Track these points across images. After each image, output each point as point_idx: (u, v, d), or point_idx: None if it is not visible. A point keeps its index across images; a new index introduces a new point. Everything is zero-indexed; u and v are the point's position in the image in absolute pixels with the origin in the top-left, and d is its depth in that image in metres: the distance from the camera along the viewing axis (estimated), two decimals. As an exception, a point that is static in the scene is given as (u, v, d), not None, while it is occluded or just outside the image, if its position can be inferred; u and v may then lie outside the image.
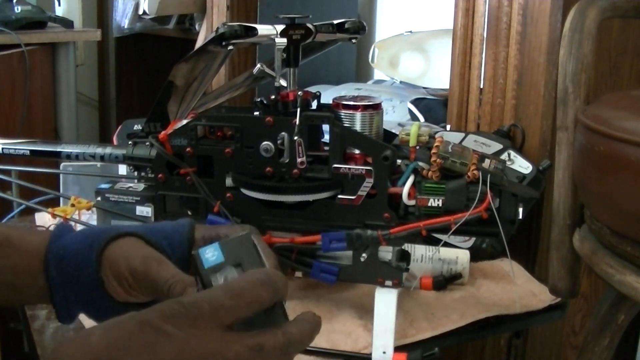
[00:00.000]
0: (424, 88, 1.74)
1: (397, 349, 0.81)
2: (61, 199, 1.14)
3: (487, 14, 1.26)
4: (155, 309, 0.44)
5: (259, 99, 0.84)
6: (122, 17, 2.52)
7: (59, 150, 0.97)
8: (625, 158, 0.70)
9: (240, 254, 0.50)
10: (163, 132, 0.87)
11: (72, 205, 0.99)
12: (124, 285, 0.57)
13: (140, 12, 2.29)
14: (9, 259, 0.58)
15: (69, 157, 0.97)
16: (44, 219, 1.06)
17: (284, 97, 0.83)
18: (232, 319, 0.45)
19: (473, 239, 1.07)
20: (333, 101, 0.84)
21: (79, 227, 1.03)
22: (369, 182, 0.80)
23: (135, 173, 0.93)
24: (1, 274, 0.58)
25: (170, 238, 0.60)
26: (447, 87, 1.37)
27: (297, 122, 0.81)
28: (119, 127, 1.19)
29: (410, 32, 1.91)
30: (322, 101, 0.87)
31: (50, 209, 0.97)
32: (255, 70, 0.88)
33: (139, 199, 0.98)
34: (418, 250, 0.99)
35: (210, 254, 0.49)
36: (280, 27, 0.86)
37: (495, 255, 1.07)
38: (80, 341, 0.43)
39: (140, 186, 0.99)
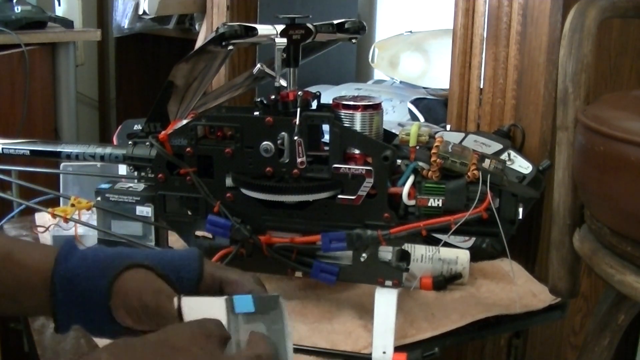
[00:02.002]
0: (424, 88, 1.74)
1: (397, 349, 0.81)
2: (61, 199, 1.14)
3: (487, 14, 1.26)
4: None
5: (259, 99, 0.84)
6: (122, 17, 2.52)
7: (59, 150, 0.97)
8: (625, 158, 0.70)
9: (268, 313, 0.54)
10: (163, 132, 0.87)
11: (72, 205, 0.99)
12: (133, 316, 0.57)
13: (140, 12, 2.29)
14: (11, 273, 0.58)
15: (69, 157, 0.97)
16: (44, 219, 1.06)
17: (284, 97, 0.83)
18: None
19: (473, 239, 1.07)
20: (333, 101, 0.84)
21: (79, 227, 1.03)
22: (369, 182, 0.80)
23: (135, 173, 0.93)
24: (3, 286, 0.58)
25: (179, 271, 0.60)
26: (447, 87, 1.37)
27: (297, 122, 0.81)
28: (119, 127, 1.19)
29: (410, 32, 1.91)
30: (322, 101, 0.87)
31: (50, 209, 0.97)
32: (255, 70, 0.88)
33: (139, 199, 0.98)
34: (418, 250, 0.99)
35: (243, 302, 0.54)
36: (280, 27, 0.86)
37: (495, 255, 1.07)
38: None
39: (140, 186, 0.99)
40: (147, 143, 0.89)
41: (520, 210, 0.80)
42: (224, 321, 0.52)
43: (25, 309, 0.62)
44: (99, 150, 0.96)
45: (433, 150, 0.79)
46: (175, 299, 0.54)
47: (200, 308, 0.53)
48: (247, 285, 0.60)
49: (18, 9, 2.10)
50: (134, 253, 0.61)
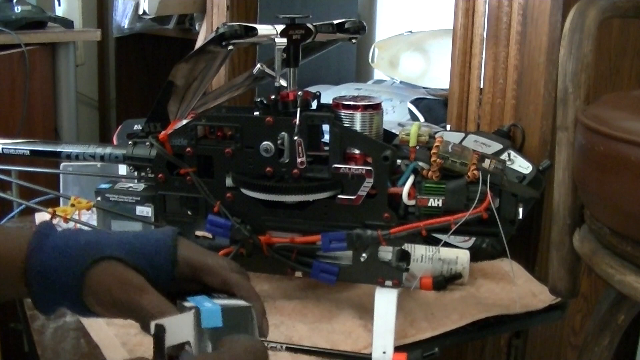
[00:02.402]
0: (424, 88, 1.74)
1: (397, 349, 0.81)
2: (61, 199, 1.14)
3: (487, 14, 1.26)
4: None
5: (259, 99, 0.84)
6: (122, 17, 2.52)
7: (59, 150, 0.97)
8: (625, 158, 0.70)
9: (238, 327, 0.52)
10: (163, 132, 0.87)
11: (72, 205, 0.99)
12: (104, 308, 0.57)
13: (140, 12, 2.29)
14: None
15: (69, 157, 0.97)
16: (44, 219, 1.06)
17: (284, 97, 0.83)
18: None
19: (473, 239, 1.07)
20: (333, 101, 0.84)
21: (79, 227, 1.03)
22: (369, 182, 0.80)
23: (135, 173, 0.93)
24: None
25: (152, 259, 0.59)
26: (447, 87, 1.37)
27: (297, 122, 0.81)
28: (119, 127, 1.19)
29: (410, 32, 1.91)
30: (322, 101, 0.87)
31: (50, 209, 0.97)
32: (255, 70, 0.88)
33: (139, 199, 0.98)
34: (418, 250, 0.99)
35: (211, 316, 0.52)
36: (280, 27, 0.86)
37: (495, 255, 1.07)
38: None
39: (140, 186, 0.99)
40: (147, 143, 0.89)
41: (520, 210, 0.80)
42: (192, 338, 0.51)
43: (4, 296, 0.62)
44: (99, 150, 0.96)
45: (433, 150, 0.79)
46: (152, 325, 0.51)
47: (170, 329, 0.51)
48: (223, 273, 0.59)
49: (18, 9, 2.10)
50: (106, 240, 0.59)
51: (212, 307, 0.53)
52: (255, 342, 0.50)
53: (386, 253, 0.84)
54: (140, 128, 0.92)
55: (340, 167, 0.81)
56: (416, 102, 1.59)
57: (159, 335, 0.50)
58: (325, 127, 0.83)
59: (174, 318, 0.51)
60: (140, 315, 0.54)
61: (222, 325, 0.51)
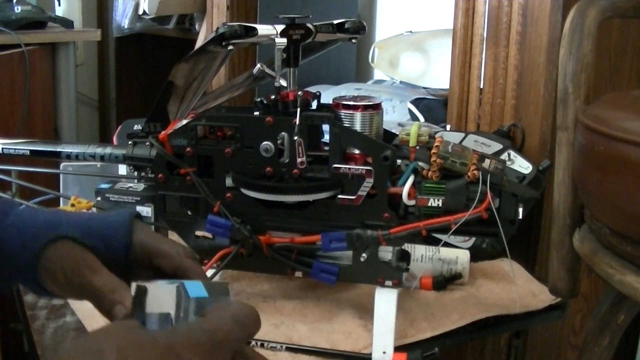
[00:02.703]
0: (424, 88, 1.74)
1: (397, 349, 0.81)
2: (61, 199, 1.14)
3: (487, 14, 1.26)
4: (179, 334, 0.43)
5: (259, 99, 0.84)
6: (122, 17, 2.52)
7: (59, 150, 0.97)
8: (625, 158, 0.70)
9: (220, 298, 0.52)
10: (163, 132, 0.87)
11: (72, 205, 0.99)
12: (61, 288, 0.57)
13: (140, 12, 2.29)
14: None
15: (69, 157, 0.97)
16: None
17: (284, 97, 0.83)
18: (237, 348, 0.46)
19: (473, 239, 1.07)
20: (333, 101, 0.84)
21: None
22: (369, 182, 0.80)
23: (135, 173, 0.93)
24: None
25: (108, 240, 0.59)
26: (447, 87, 1.37)
27: (297, 122, 0.81)
28: (119, 127, 1.19)
29: (410, 32, 1.91)
30: (322, 101, 0.87)
31: (50, 209, 0.97)
32: (255, 70, 0.88)
33: (139, 199, 0.98)
34: (418, 250, 0.99)
35: (195, 288, 0.52)
36: (280, 27, 0.86)
37: (495, 255, 1.07)
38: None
39: (140, 186, 0.99)
40: (147, 143, 0.89)
41: (520, 210, 0.80)
42: (172, 310, 0.50)
43: None
44: (99, 150, 0.96)
45: (433, 150, 0.79)
46: (133, 285, 0.52)
47: (151, 297, 0.51)
48: (176, 258, 0.58)
49: (18, 9, 2.10)
50: (65, 220, 0.59)
51: (193, 281, 0.53)
52: (243, 305, 0.48)
53: (386, 253, 0.84)
54: (140, 128, 0.92)
55: (340, 167, 0.81)
56: (416, 102, 1.59)
57: (140, 295, 0.50)
58: (325, 127, 0.83)
59: (155, 286, 0.52)
60: (93, 295, 0.55)
61: (208, 295, 0.51)
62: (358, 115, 0.82)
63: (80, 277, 0.55)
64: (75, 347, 0.42)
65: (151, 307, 0.50)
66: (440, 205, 0.80)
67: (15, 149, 0.99)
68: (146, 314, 0.50)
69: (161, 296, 0.51)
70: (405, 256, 0.86)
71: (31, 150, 0.99)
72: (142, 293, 0.51)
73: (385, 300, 0.82)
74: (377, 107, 0.84)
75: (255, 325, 0.47)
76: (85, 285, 0.55)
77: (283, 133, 0.82)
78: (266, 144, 0.83)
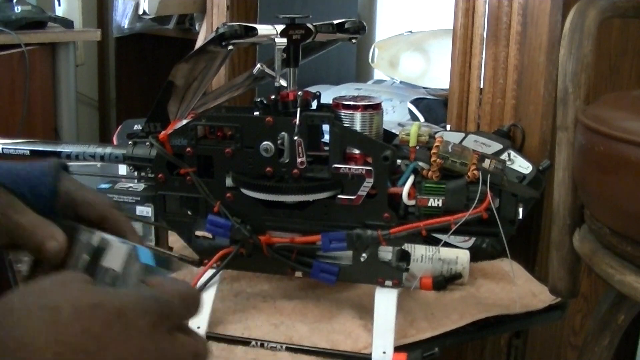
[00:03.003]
0: (424, 88, 1.74)
1: (397, 349, 0.81)
2: (61, 199, 1.14)
3: (487, 14, 1.26)
4: (130, 299, 0.43)
5: (259, 99, 0.84)
6: (122, 17, 2.52)
7: (59, 150, 0.97)
8: (625, 158, 0.70)
9: (165, 271, 0.54)
10: (163, 132, 0.87)
11: (72, 205, 0.99)
12: None
13: (140, 12, 2.29)
14: None
15: (69, 157, 0.97)
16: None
17: (284, 97, 0.83)
18: (185, 322, 0.46)
19: (473, 239, 1.07)
20: (333, 101, 0.84)
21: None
22: (369, 182, 0.80)
23: (135, 173, 0.93)
24: None
25: (34, 186, 0.59)
26: (447, 87, 1.37)
27: (297, 122, 0.81)
28: (119, 127, 1.19)
29: (410, 32, 1.91)
30: (322, 101, 0.87)
31: (50, 209, 0.97)
32: (255, 70, 0.88)
33: (139, 199, 0.98)
34: (418, 250, 0.99)
35: (145, 254, 0.53)
36: (280, 27, 0.86)
37: (495, 255, 1.07)
38: (47, 317, 0.40)
39: (140, 186, 0.99)
40: (147, 143, 0.89)
41: (520, 210, 0.80)
42: (119, 269, 0.51)
43: None
44: (99, 150, 0.96)
45: (433, 150, 0.79)
46: (97, 234, 0.52)
47: (111, 249, 0.51)
48: (102, 207, 0.59)
49: (18, 9, 2.10)
50: None
51: (144, 247, 0.54)
52: (189, 285, 0.49)
53: (386, 253, 0.84)
54: (140, 128, 0.92)
55: (340, 167, 0.81)
56: (416, 102, 1.59)
57: (102, 247, 0.50)
58: (325, 127, 0.83)
59: (113, 242, 0.52)
60: (22, 234, 0.54)
61: (156, 264, 0.53)
62: (358, 115, 0.82)
63: (7, 219, 0.55)
64: (27, 300, 0.41)
65: (106, 262, 0.51)
66: (440, 205, 0.80)
67: (15, 149, 0.99)
68: (100, 267, 0.50)
69: (115, 252, 0.51)
70: (405, 256, 0.86)
71: (31, 150, 0.99)
72: (104, 244, 0.51)
73: (385, 300, 0.82)
74: (377, 107, 0.84)
75: (197, 308, 0.48)
76: (13, 226, 0.55)
77: (283, 133, 0.82)
78: (266, 144, 0.83)
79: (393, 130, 0.89)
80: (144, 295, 0.44)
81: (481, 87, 1.28)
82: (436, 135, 0.81)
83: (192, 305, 0.47)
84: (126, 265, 0.51)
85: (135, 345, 0.41)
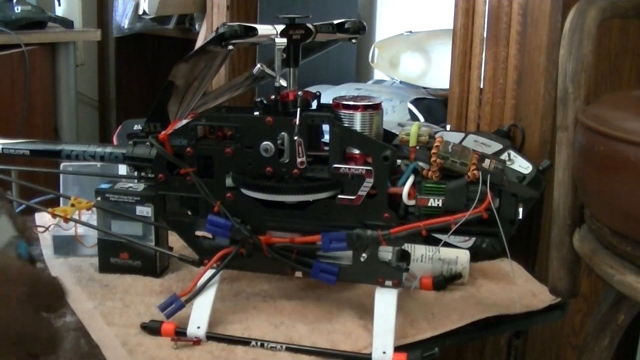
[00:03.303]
0: (424, 88, 1.74)
1: (397, 349, 0.81)
2: (61, 199, 1.14)
3: (487, 14, 1.26)
4: (13, 270, 0.47)
5: (259, 99, 0.84)
6: (122, 17, 2.52)
7: (59, 150, 0.97)
8: (625, 158, 0.70)
9: None
10: (163, 132, 0.87)
11: (72, 205, 0.99)
12: None
13: (140, 12, 2.29)
14: None
15: (69, 157, 0.97)
16: (44, 219, 1.06)
17: (284, 97, 0.83)
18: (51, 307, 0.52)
19: (473, 239, 1.07)
20: (333, 101, 0.84)
21: (79, 227, 1.03)
22: (369, 182, 0.80)
23: (135, 173, 0.93)
24: None
25: None
26: (447, 87, 1.37)
27: (297, 122, 0.81)
28: (119, 127, 1.19)
29: (410, 32, 1.91)
30: (322, 101, 0.87)
31: (50, 209, 0.97)
32: (255, 70, 0.88)
33: (139, 199, 0.98)
34: (418, 250, 0.99)
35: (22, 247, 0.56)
36: (280, 27, 0.86)
37: (495, 255, 1.08)
38: None
39: (140, 186, 0.99)
40: (147, 143, 0.89)
41: (520, 210, 0.80)
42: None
43: None
44: (99, 150, 0.96)
45: (433, 150, 0.79)
46: None
47: None
48: None
49: (18, 9, 2.10)
50: None
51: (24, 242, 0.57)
52: (55, 277, 0.53)
53: (386, 253, 0.84)
54: (140, 128, 0.92)
55: (340, 167, 0.81)
56: (416, 102, 1.59)
57: None
58: (325, 127, 0.83)
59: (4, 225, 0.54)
60: None
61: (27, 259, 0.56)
62: (358, 115, 0.82)
63: None
64: None
65: None
66: (440, 205, 0.80)
67: (15, 149, 0.99)
68: None
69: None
70: (405, 256, 0.86)
71: (31, 150, 0.99)
72: None
73: (385, 300, 0.82)
74: (377, 107, 0.84)
75: (62, 297, 0.54)
76: None
77: (283, 133, 0.82)
78: (266, 144, 0.83)
79: (393, 130, 0.89)
80: (21, 270, 0.48)
81: (481, 87, 1.28)
82: (436, 135, 0.81)
83: (57, 293, 0.52)
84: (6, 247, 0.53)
85: (5, 313, 0.45)
